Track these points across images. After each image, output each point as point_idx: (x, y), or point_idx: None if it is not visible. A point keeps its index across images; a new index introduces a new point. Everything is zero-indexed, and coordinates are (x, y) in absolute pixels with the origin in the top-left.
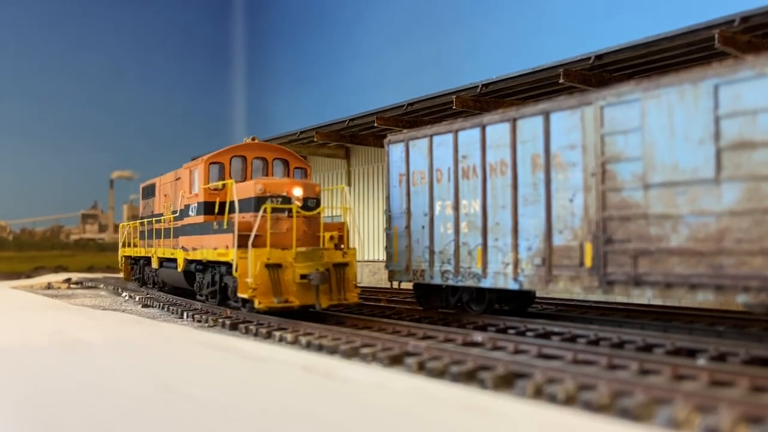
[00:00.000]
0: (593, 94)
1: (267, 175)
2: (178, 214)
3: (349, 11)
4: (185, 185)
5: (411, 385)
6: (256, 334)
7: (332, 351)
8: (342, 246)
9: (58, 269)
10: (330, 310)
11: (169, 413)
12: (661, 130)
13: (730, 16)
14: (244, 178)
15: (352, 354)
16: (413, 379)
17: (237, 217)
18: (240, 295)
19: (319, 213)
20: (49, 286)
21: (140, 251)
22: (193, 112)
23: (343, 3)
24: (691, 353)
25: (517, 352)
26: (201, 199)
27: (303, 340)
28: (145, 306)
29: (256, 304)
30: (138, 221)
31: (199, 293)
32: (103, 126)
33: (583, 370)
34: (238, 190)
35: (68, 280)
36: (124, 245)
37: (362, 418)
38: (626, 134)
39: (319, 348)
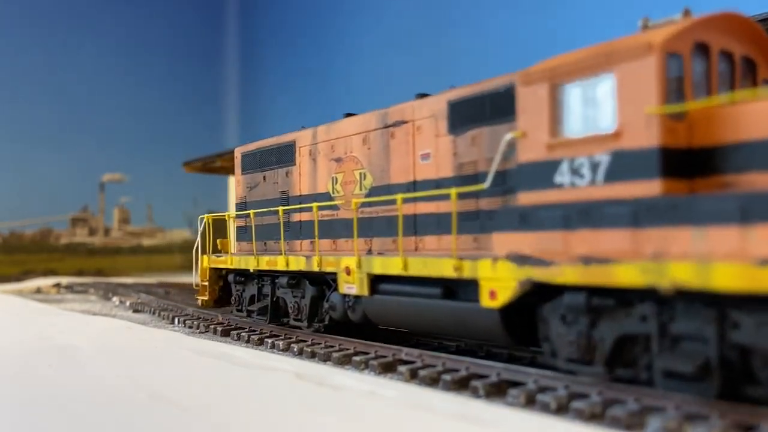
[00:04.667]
0: None
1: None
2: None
3: (345, 15)
4: (535, 119)
5: (403, 392)
6: (248, 341)
7: (325, 358)
8: None
9: (47, 273)
10: None
11: (160, 422)
12: None
13: None
14: (708, 92)
15: (345, 361)
16: (406, 387)
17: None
18: None
19: None
20: (38, 291)
21: (283, 262)
22: (185, 114)
23: (338, 7)
24: None
25: (511, 359)
26: (651, 141)
27: (296, 347)
28: (135, 311)
29: None
30: (251, 211)
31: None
32: (94, 128)
33: (575, 378)
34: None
35: (58, 285)
36: (209, 251)
37: (355, 427)
38: None
39: (312, 355)
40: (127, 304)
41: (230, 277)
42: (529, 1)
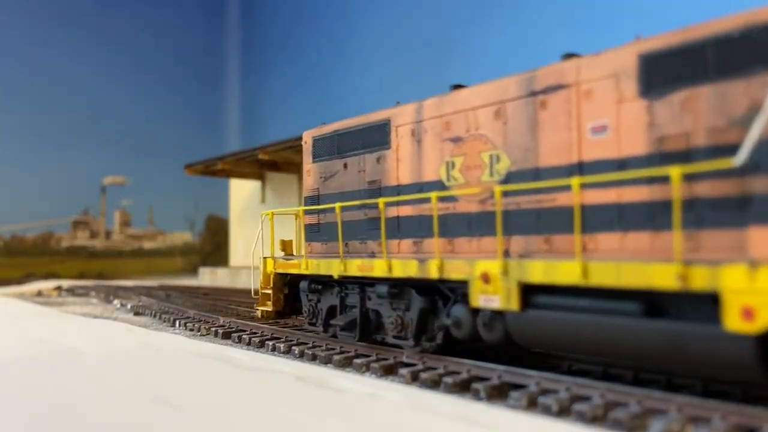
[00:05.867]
0: None
1: None
2: None
3: (345, 17)
4: None
5: (405, 395)
6: (249, 344)
7: (326, 361)
8: None
9: (48, 276)
10: None
11: (161, 425)
12: None
13: None
14: None
15: (346, 364)
16: (407, 390)
17: None
18: None
19: None
20: (39, 294)
21: (383, 267)
22: (186, 117)
23: (338, 8)
24: None
25: (511, 362)
26: None
27: (296, 350)
28: (136, 314)
29: None
30: (337, 204)
31: None
32: (95, 132)
33: (577, 380)
34: None
35: (59, 288)
36: (272, 252)
37: (356, 429)
38: None
39: (313, 358)
40: (128, 307)
41: (303, 285)
42: (530, 6)
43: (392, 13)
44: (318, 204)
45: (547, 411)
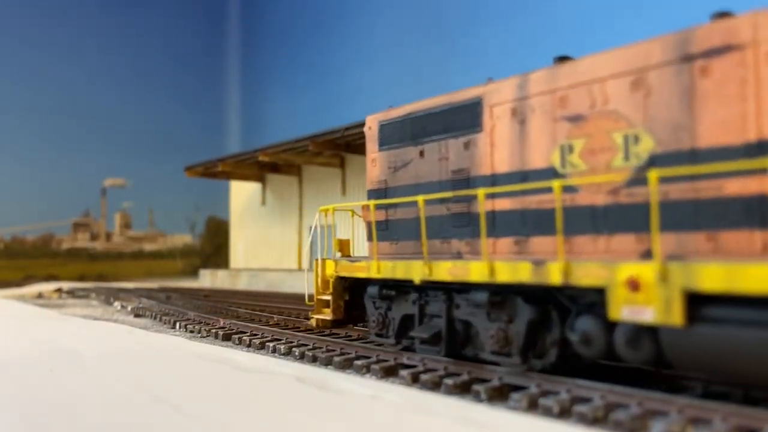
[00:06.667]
0: None
1: None
2: None
3: (345, 19)
4: None
5: (405, 397)
6: (249, 345)
7: (326, 363)
8: None
9: (49, 278)
10: None
11: (161, 425)
12: None
13: None
14: None
15: (346, 366)
16: (408, 391)
17: None
18: None
19: None
20: (40, 296)
21: (483, 270)
22: (186, 120)
23: (339, 11)
24: None
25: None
26: None
27: (297, 351)
28: (137, 316)
29: None
30: (420, 197)
31: None
32: (95, 134)
33: (577, 382)
34: None
35: (59, 290)
36: (329, 253)
37: (356, 431)
38: None
39: (314, 359)
40: (129, 308)
41: (371, 291)
42: (531, 8)
43: (392, 15)
44: (385, 197)
45: (547, 412)
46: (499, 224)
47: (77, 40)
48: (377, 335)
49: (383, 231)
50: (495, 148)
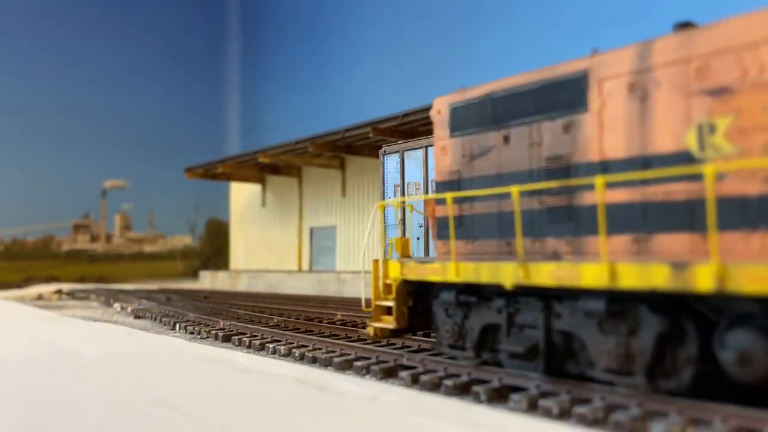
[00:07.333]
0: None
1: None
2: None
3: (346, 22)
4: None
5: (405, 398)
6: (249, 346)
7: (326, 363)
8: None
9: (49, 280)
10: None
11: (161, 426)
12: None
13: None
14: None
15: (346, 366)
16: (407, 392)
17: None
18: None
19: None
20: (40, 297)
21: (603, 273)
22: (186, 121)
23: (339, 14)
24: None
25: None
26: None
27: (297, 352)
28: (137, 317)
29: None
30: (514, 188)
31: None
32: (96, 136)
33: (577, 383)
34: None
35: (59, 291)
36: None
37: None
38: None
39: (313, 360)
40: (129, 310)
41: (445, 297)
42: (530, 10)
43: (392, 17)
44: (458, 190)
45: (547, 414)
46: (611, 219)
47: (77, 42)
48: (451, 347)
49: (455, 228)
50: (605, 130)
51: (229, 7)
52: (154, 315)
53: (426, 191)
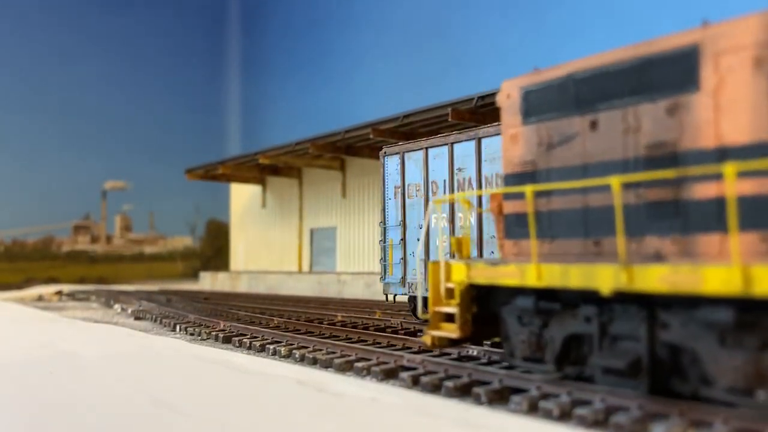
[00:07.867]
0: None
1: None
2: None
3: (346, 24)
4: None
5: (406, 399)
6: (249, 348)
7: (327, 365)
8: None
9: (49, 281)
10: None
11: (161, 427)
12: None
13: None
14: None
15: (346, 368)
16: (408, 394)
17: None
18: None
19: None
20: (40, 298)
21: None
22: (187, 122)
23: (339, 15)
24: None
25: (512, 366)
26: None
27: (297, 353)
28: (137, 319)
29: None
30: (614, 180)
31: None
32: (96, 137)
33: (577, 384)
34: None
35: (59, 292)
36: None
37: None
38: None
39: (314, 362)
40: (129, 311)
41: (521, 303)
42: (530, 11)
43: (392, 18)
44: (534, 182)
45: (548, 415)
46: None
47: (77, 42)
48: (526, 359)
49: (528, 227)
50: (722, 112)
51: (230, 8)
52: (154, 316)
53: (426, 191)
